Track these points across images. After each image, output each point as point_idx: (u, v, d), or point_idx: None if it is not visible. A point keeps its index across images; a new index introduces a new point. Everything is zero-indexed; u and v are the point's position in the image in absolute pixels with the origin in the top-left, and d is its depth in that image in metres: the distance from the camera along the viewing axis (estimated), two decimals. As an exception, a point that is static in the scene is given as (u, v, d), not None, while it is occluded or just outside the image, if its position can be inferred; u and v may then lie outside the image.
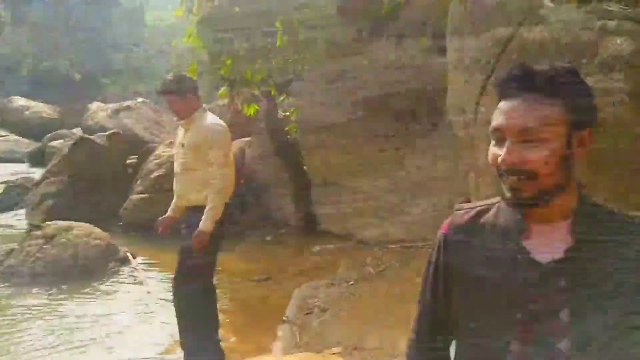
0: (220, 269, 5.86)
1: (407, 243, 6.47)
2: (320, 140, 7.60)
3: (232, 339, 4.37)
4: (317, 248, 6.83)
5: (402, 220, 6.80)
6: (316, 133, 7.67)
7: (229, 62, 9.37)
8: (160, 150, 7.99)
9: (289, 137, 8.90)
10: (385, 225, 6.92)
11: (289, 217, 8.18)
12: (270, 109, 9.21)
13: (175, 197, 3.45)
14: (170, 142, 8.09)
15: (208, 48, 9.50)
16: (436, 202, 6.62)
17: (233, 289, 5.63)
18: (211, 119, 3.31)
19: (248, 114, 9.53)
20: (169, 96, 3.28)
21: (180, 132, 3.39)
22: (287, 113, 9.23)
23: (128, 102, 14.76)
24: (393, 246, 6.48)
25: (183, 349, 3.28)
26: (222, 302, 5.27)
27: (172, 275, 3.42)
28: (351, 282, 5.37)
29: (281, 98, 9.26)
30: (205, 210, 3.13)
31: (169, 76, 3.40)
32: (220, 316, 4.88)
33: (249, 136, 9.47)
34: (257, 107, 9.42)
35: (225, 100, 11.75)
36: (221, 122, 3.39)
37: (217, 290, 5.51)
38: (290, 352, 3.78)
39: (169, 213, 3.45)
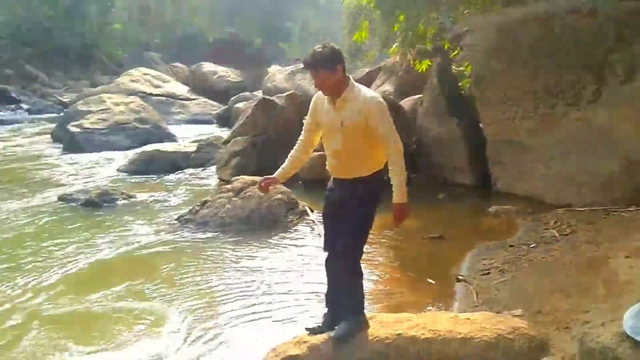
0: (390, 226, 5.97)
1: (596, 206, 5.93)
2: (497, 95, 7.20)
3: (406, 293, 4.41)
4: (493, 208, 6.56)
5: (588, 181, 6.24)
6: (492, 87, 7.28)
7: (401, 17, 9.22)
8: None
9: (462, 92, 8.58)
10: (570, 186, 6.41)
11: (462, 176, 7.95)
12: (443, 63, 8.93)
13: (292, 162, 3.32)
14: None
15: (380, 4, 9.40)
16: (628, 163, 5.95)
17: (405, 246, 5.66)
18: (367, 92, 3.04)
19: (420, 70, 9.36)
20: (321, 70, 2.96)
21: (327, 109, 3.08)
22: (461, 68, 8.88)
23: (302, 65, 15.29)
24: (580, 209, 5.98)
25: (334, 311, 3.25)
26: (395, 257, 5.37)
27: (327, 241, 3.32)
28: (532, 245, 5.08)
29: (454, 52, 8.94)
30: (395, 183, 3.00)
31: (317, 48, 3.02)
32: (393, 270, 5.00)
33: (420, 93, 9.32)
34: (429, 63, 9.21)
35: (397, 58, 11.67)
36: (375, 92, 3.24)
37: (390, 245, 5.67)
38: (467, 310, 3.71)
39: (276, 175, 3.33)
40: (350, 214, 3.08)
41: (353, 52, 19.47)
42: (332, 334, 3.06)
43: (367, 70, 15.37)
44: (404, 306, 4.01)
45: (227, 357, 3.54)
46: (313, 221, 6.36)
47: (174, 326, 3.93)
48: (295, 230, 6.21)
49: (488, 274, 4.54)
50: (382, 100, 3.04)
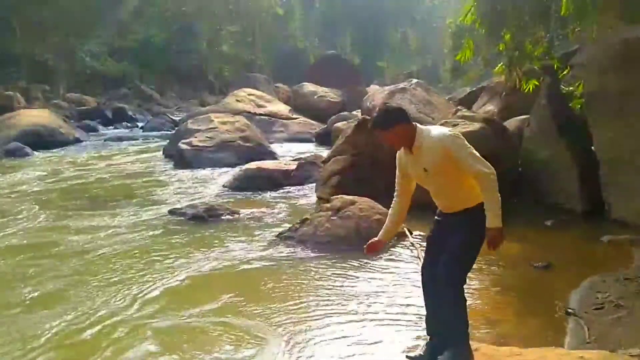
0: (494, 252, 5.76)
1: None
2: (612, 115, 6.78)
3: (510, 323, 4.22)
4: (605, 238, 6.14)
5: None
6: (606, 107, 6.87)
7: (507, 36, 8.97)
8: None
9: (573, 112, 8.17)
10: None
11: (572, 201, 7.52)
12: (552, 83, 8.56)
13: (393, 219, 3.38)
14: (445, 122, 8.10)
15: (485, 23, 9.19)
16: None
17: (509, 273, 5.43)
18: (435, 131, 3.09)
19: (526, 91, 9.03)
20: (385, 132, 3.10)
21: (407, 158, 3.19)
22: (571, 87, 8.47)
23: (403, 84, 15.26)
24: None
25: (438, 337, 3.17)
26: (499, 285, 5.16)
27: (426, 267, 3.29)
28: (652, 279, 4.71)
29: (564, 71, 8.55)
30: (488, 208, 2.95)
31: (376, 113, 3.24)
32: (497, 299, 4.81)
33: (525, 114, 8.98)
34: (536, 83, 8.87)
35: (501, 78, 11.33)
36: (439, 127, 3.25)
37: (494, 272, 5.46)
38: (578, 347, 3.48)
39: (380, 237, 3.39)
40: (457, 241, 3.05)
41: (454, 72, 19.18)
42: None
43: (467, 89, 15.06)
44: (508, 338, 3.83)
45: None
46: (412, 244, 6.28)
47: (273, 347, 3.97)
48: (394, 252, 6.15)
49: (601, 308, 4.25)
50: (451, 132, 3.07)
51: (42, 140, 16.25)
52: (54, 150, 15.87)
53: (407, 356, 3.20)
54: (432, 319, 3.22)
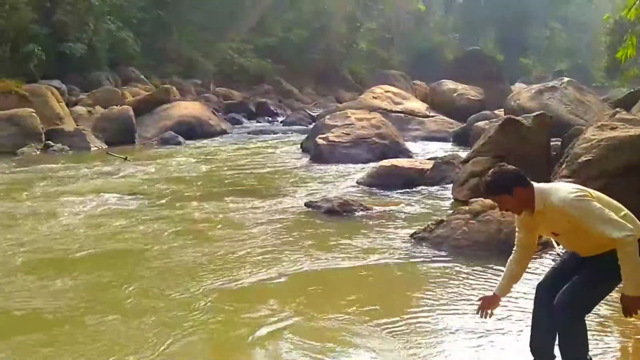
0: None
1: None
2: None
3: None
4: None
5: None
6: None
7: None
8: (589, 133, 7.45)
9: None
10: None
11: None
12: None
13: (512, 274, 3.12)
14: (602, 125, 7.46)
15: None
16: None
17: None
18: (552, 195, 2.79)
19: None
20: (499, 197, 2.93)
21: (529, 219, 2.96)
22: None
23: (553, 82, 14.32)
24: None
25: None
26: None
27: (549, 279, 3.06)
28: None
29: None
30: (625, 275, 2.66)
31: (488, 177, 3.03)
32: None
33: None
34: None
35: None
36: (561, 186, 2.89)
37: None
38: None
39: (497, 292, 3.14)
40: (590, 270, 2.83)
41: (610, 70, 17.68)
42: None
43: (625, 90, 13.78)
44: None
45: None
46: (558, 254, 5.85)
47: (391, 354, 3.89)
48: (537, 262, 5.78)
49: None
50: (574, 195, 2.76)
51: (193, 130, 17.48)
52: (203, 140, 17.01)
53: None
54: (537, 336, 3.02)
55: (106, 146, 14.80)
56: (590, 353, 2.98)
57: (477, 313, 3.20)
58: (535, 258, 5.73)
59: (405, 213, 8.11)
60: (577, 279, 2.84)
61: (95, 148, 14.59)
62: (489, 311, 3.17)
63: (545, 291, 2.99)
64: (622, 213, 2.83)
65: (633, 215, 2.87)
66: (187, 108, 18.72)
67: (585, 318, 2.90)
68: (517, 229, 3.09)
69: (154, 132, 16.88)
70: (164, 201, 8.66)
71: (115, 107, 16.79)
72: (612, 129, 7.12)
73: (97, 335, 4.13)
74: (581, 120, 12.46)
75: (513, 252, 3.12)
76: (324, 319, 4.43)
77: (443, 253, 6.11)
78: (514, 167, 3.02)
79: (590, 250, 2.83)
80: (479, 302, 3.18)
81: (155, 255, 6.00)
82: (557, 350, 3.00)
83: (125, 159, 12.77)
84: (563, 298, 2.82)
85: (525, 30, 44.28)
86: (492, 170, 3.05)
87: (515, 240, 3.11)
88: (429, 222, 6.78)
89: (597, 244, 2.76)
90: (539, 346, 3.03)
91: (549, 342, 2.98)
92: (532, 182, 2.92)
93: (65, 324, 4.35)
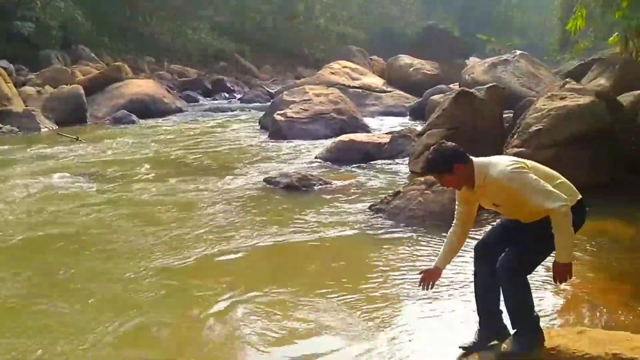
0: (602, 234, 5.38)
1: None
2: None
3: (620, 310, 3.93)
4: None
5: None
6: None
7: (624, 3, 8.25)
8: (540, 103, 7.60)
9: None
10: None
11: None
12: (675, 55, 7.81)
13: (452, 246, 3.16)
14: (552, 95, 7.62)
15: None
16: None
17: (619, 258, 5.04)
18: (490, 169, 2.84)
19: (643, 62, 8.33)
20: (440, 175, 2.96)
21: (470, 194, 3.00)
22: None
23: (506, 56, 14.54)
24: None
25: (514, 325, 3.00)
26: (607, 270, 4.81)
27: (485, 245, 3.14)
28: None
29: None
30: (558, 243, 2.75)
31: (430, 154, 3.01)
32: (605, 284, 4.48)
33: (642, 88, 8.25)
34: (656, 54, 8.14)
35: (616, 49, 10.50)
36: (498, 160, 2.94)
37: (602, 256, 5.10)
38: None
39: (437, 264, 3.16)
40: (524, 238, 2.91)
41: (562, 44, 18.04)
42: (502, 349, 2.86)
43: (576, 63, 14.10)
44: (617, 327, 3.56)
45: None
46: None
47: (354, 323, 3.92)
48: (488, 227, 5.90)
49: None
50: (511, 168, 2.82)
51: (146, 109, 17.06)
52: (157, 119, 16.64)
53: (459, 346, 3.07)
54: (481, 300, 3.09)
55: (57, 126, 14.32)
56: (537, 309, 3.08)
57: (419, 285, 3.21)
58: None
59: (363, 186, 8.16)
60: (517, 242, 2.91)
61: (46, 129, 14.10)
62: (431, 283, 3.18)
63: (484, 250, 3.05)
64: (557, 182, 2.91)
65: (569, 183, 2.96)
66: (141, 86, 18.25)
67: (529, 277, 2.97)
68: (457, 203, 3.13)
69: (106, 111, 16.42)
70: (115, 182, 8.43)
71: (65, 86, 16.25)
72: (562, 98, 7.27)
73: (43, 321, 3.98)
74: (533, 92, 12.71)
75: (453, 225, 3.17)
76: (281, 293, 4.42)
77: (399, 224, 6.18)
78: (453, 144, 3.04)
79: (530, 218, 2.89)
80: (421, 275, 3.20)
81: (104, 238, 5.79)
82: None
83: (77, 139, 12.39)
84: (504, 259, 2.89)
85: (483, 7, 44.85)
86: (432, 148, 3.07)
87: (455, 213, 3.16)
88: (386, 195, 6.84)
89: (536, 211, 2.83)
90: (484, 305, 3.10)
91: (493, 300, 3.04)
92: (471, 158, 2.95)
93: (9, 311, 4.16)
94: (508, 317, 2.99)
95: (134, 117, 15.89)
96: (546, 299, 4.13)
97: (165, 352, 3.65)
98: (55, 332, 3.83)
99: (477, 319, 3.15)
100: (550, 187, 2.79)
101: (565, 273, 2.82)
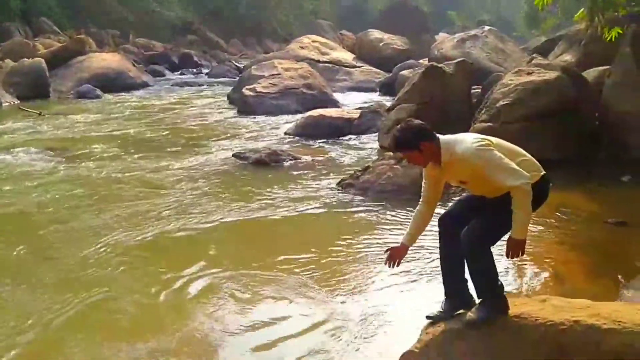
0: (566, 207, 5.50)
1: None
2: None
3: (581, 280, 4.05)
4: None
5: None
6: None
7: (591, -21, 8.33)
8: (507, 78, 7.67)
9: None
10: None
11: (653, 157, 7.03)
12: (637, 31, 7.92)
13: (418, 224, 3.12)
14: (519, 70, 7.69)
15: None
16: None
17: (582, 229, 5.17)
18: (456, 147, 2.85)
19: (607, 40, 8.42)
20: (407, 152, 2.92)
21: (437, 171, 2.97)
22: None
23: (475, 31, 14.60)
24: None
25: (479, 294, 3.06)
26: (570, 241, 4.93)
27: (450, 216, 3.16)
28: None
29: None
30: (515, 218, 2.78)
31: (396, 132, 2.94)
32: (568, 255, 4.61)
33: (606, 64, 8.38)
34: (620, 31, 8.24)
35: (582, 25, 10.60)
36: (463, 138, 2.94)
37: (565, 228, 5.21)
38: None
39: (404, 242, 3.12)
40: (489, 211, 2.92)
41: (530, 20, 18.18)
42: (468, 317, 2.91)
43: (543, 39, 14.26)
44: (578, 295, 3.65)
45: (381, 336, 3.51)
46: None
47: (322, 297, 3.95)
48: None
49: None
50: (476, 145, 2.81)
51: (111, 83, 16.68)
52: (122, 94, 16.28)
53: (427, 316, 3.12)
54: (446, 273, 3.13)
55: (18, 101, 13.90)
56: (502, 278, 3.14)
57: (385, 263, 3.23)
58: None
59: (333, 161, 8.16)
60: (482, 214, 2.94)
61: (7, 104, 13.67)
62: (397, 260, 3.20)
63: (449, 221, 3.07)
64: (520, 159, 2.93)
65: (533, 159, 2.99)
66: (105, 60, 17.81)
67: (492, 249, 3.02)
68: (424, 180, 3.13)
69: (70, 86, 15.99)
70: (77, 159, 8.19)
71: (26, 59, 15.71)
72: (529, 73, 7.35)
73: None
74: (501, 67, 12.82)
75: (420, 203, 3.17)
76: (249, 269, 4.38)
77: (369, 198, 6.21)
78: (420, 121, 3.02)
79: (495, 193, 2.93)
80: (387, 253, 3.22)
81: (61, 217, 5.60)
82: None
83: (40, 114, 12.05)
84: (469, 230, 2.92)
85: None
86: (399, 126, 3.04)
87: (422, 190, 3.16)
88: (356, 169, 6.85)
89: (500, 188, 2.87)
90: (449, 275, 3.14)
91: (458, 270, 3.08)
92: (437, 135, 2.95)
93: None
94: (473, 286, 3.04)
95: (99, 92, 15.51)
96: (511, 269, 4.22)
97: (122, 331, 3.55)
98: (5, 314, 3.69)
99: (443, 289, 3.18)
100: (513, 165, 2.82)
101: (518, 248, 2.86)
